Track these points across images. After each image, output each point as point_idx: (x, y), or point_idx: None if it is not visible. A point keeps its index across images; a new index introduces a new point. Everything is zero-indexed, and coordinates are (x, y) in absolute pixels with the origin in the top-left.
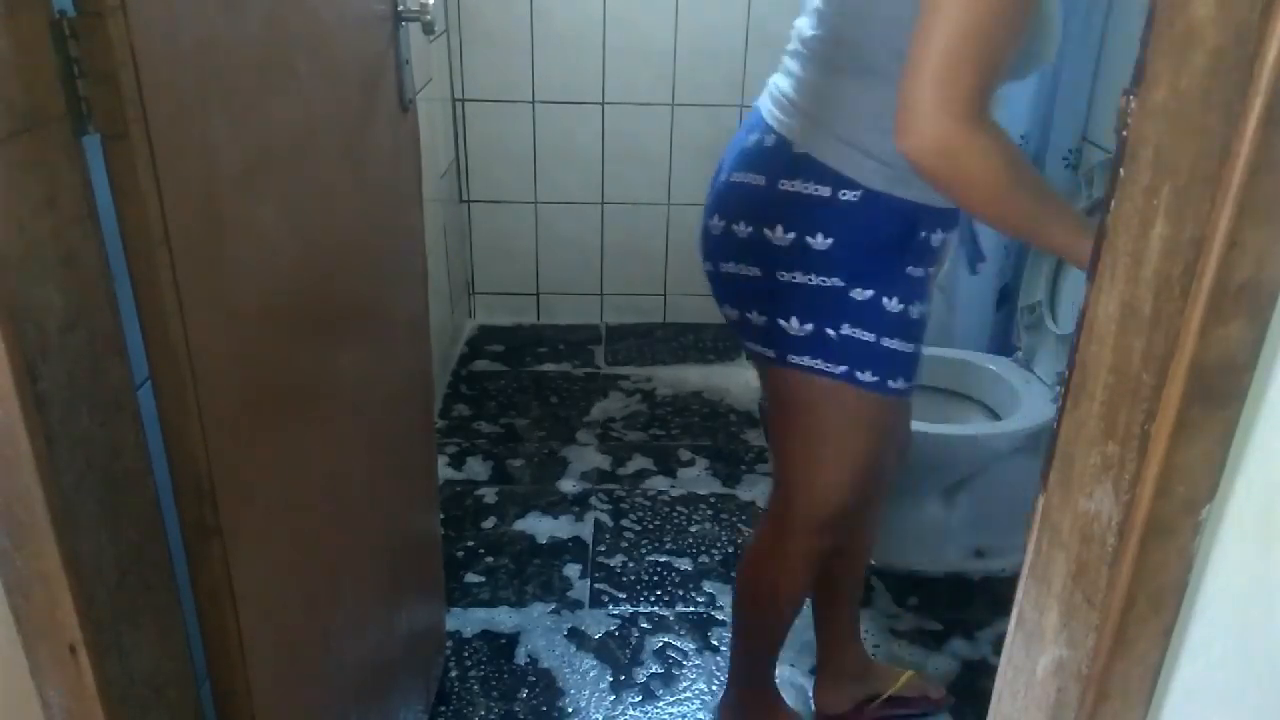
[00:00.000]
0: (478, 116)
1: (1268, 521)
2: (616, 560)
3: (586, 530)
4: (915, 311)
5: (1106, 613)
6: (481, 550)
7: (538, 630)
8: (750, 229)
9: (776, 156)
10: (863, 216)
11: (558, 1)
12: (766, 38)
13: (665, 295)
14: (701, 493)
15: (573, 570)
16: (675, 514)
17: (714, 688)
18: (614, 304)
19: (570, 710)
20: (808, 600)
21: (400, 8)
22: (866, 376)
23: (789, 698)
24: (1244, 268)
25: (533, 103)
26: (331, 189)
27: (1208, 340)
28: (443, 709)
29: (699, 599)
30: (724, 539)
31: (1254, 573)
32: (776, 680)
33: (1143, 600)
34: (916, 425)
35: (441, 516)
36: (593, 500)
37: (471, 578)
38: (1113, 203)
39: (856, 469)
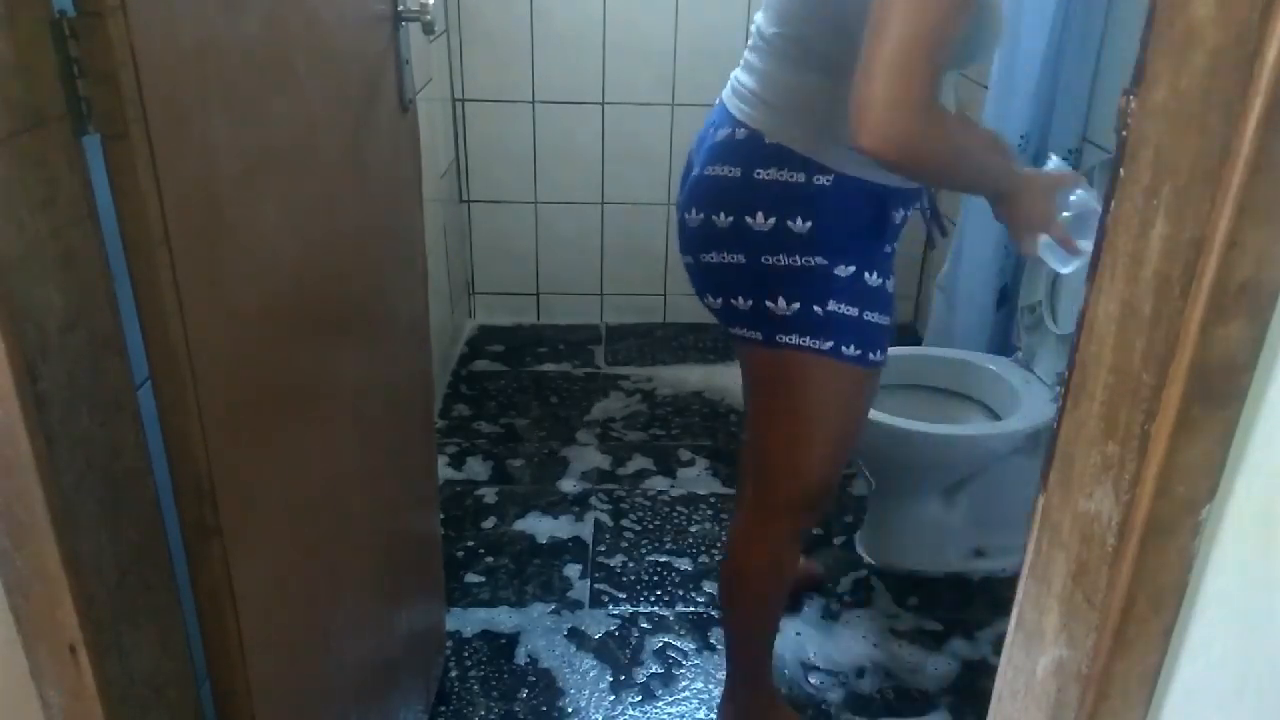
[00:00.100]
0: (478, 116)
1: (1268, 521)
2: (616, 560)
3: (586, 530)
4: (890, 285)
5: (1106, 613)
6: (481, 550)
7: (538, 630)
8: (731, 218)
9: (750, 148)
10: (837, 199)
11: (558, 1)
12: None
13: (665, 295)
14: (701, 493)
15: (573, 570)
16: (675, 514)
17: (713, 688)
18: (614, 304)
19: (570, 710)
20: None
21: (400, 8)
22: (851, 350)
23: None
24: (1244, 268)
25: (533, 103)
26: (331, 189)
27: (1208, 340)
28: (443, 709)
29: (699, 599)
30: (724, 539)
31: (1254, 573)
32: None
33: (1143, 600)
34: (917, 425)
35: (441, 516)
36: (593, 500)
37: (471, 578)
38: (1113, 203)
39: (840, 445)
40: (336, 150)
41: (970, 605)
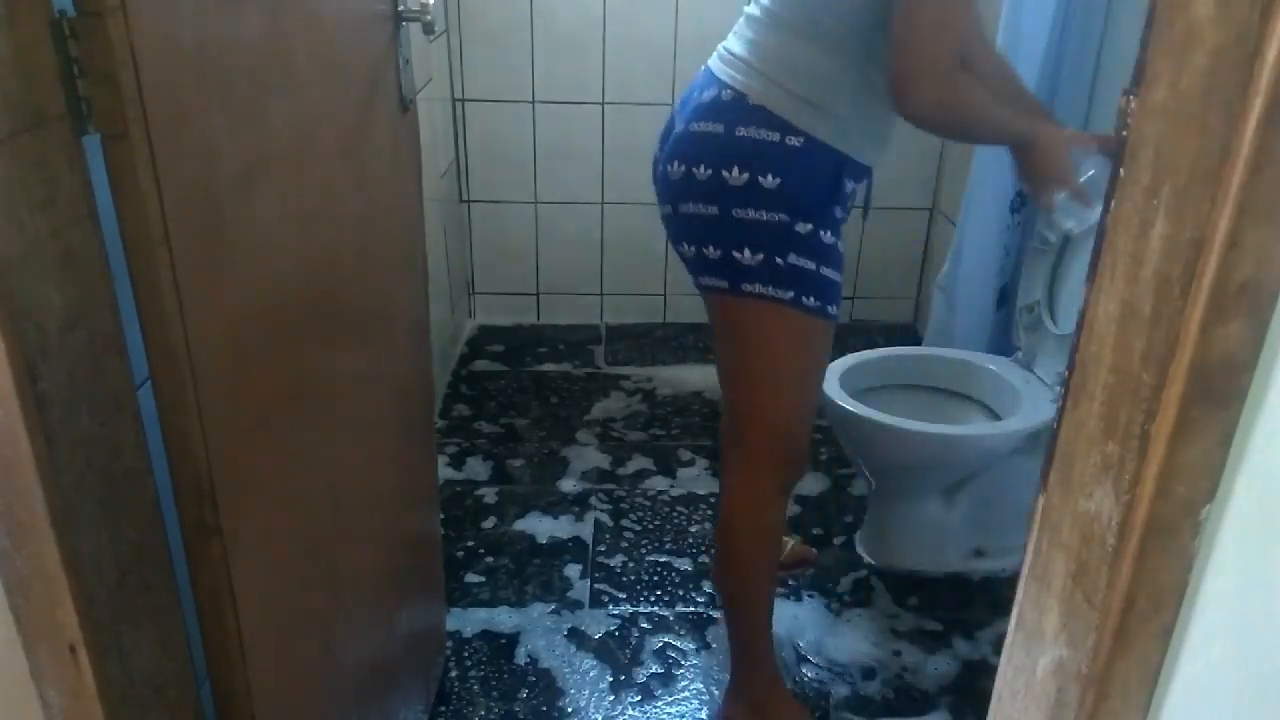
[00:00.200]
0: (478, 116)
1: (1268, 521)
2: (616, 560)
3: (586, 530)
4: (840, 246)
5: (1106, 613)
6: (481, 550)
7: (538, 630)
8: (710, 171)
9: (734, 107)
10: (804, 160)
11: (558, 1)
12: None
13: (665, 295)
14: (701, 493)
15: (573, 570)
16: (675, 514)
17: (714, 688)
18: (614, 304)
19: (570, 710)
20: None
21: (400, 8)
22: (811, 301)
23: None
24: (1244, 268)
25: (533, 103)
26: (331, 189)
27: (1208, 340)
28: (443, 709)
29: (699, 599)
30: None
31: (1254, 573)
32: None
33: (1143, 600)
34: (917, 425)
35: (441, 516)
36: (593, 500)
37: (471, 578)
38: (1113, 203)
39: (805, 393)
40: (336, 150)
41: (970, 605)
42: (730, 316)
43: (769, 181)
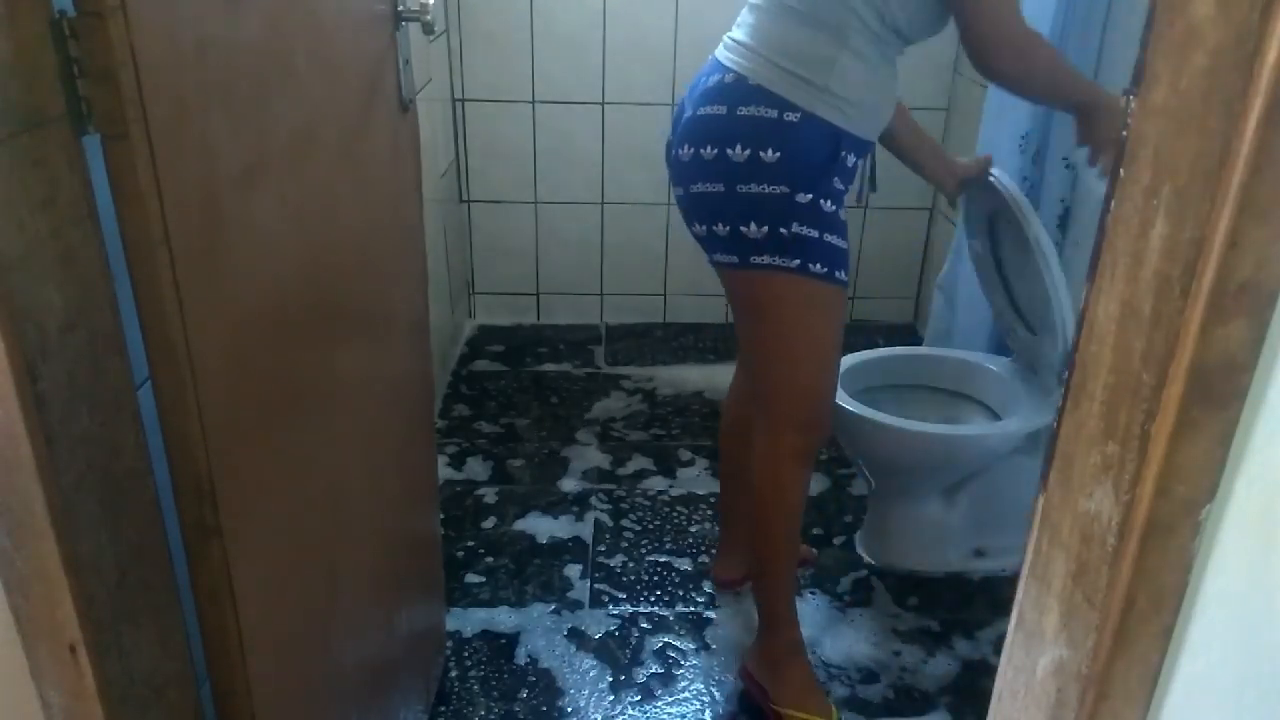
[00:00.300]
0: (478, 116)
1: (1268, 521)
2: (616, 560)
3: (586, 530)
4: (842, 214)
5: (1106, 613)
6: (481, 550)
7: (538, 630)
8: (715, 150)
9: (736, 89)
10: (801, 134)
11: (558, 1)
12: None
13: (665, 295)
14: (701, 493)
15: (573, 570)
16: (675, 514)
17: (713, 688)
18: (614, 304)
19: (570, 710)
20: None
21: (400, 8)
22: (818, 268)
23: None
24: (1244, 268)
25: (533, 103)
26: (331, 189)
27: (1208, 340)
28: (443, 709)
29: (699, 599)
30: None
31: (1254, 573)
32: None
33: (1143, 600)
34: (917, 425)
35: (441, 516)
36: (593, 500)
37: (471, 578)
38: (1113, 203)
39: (822, 359)
40: (336, 150)
41: (970, 605)
42: (744, 290)
43: (769, 156)
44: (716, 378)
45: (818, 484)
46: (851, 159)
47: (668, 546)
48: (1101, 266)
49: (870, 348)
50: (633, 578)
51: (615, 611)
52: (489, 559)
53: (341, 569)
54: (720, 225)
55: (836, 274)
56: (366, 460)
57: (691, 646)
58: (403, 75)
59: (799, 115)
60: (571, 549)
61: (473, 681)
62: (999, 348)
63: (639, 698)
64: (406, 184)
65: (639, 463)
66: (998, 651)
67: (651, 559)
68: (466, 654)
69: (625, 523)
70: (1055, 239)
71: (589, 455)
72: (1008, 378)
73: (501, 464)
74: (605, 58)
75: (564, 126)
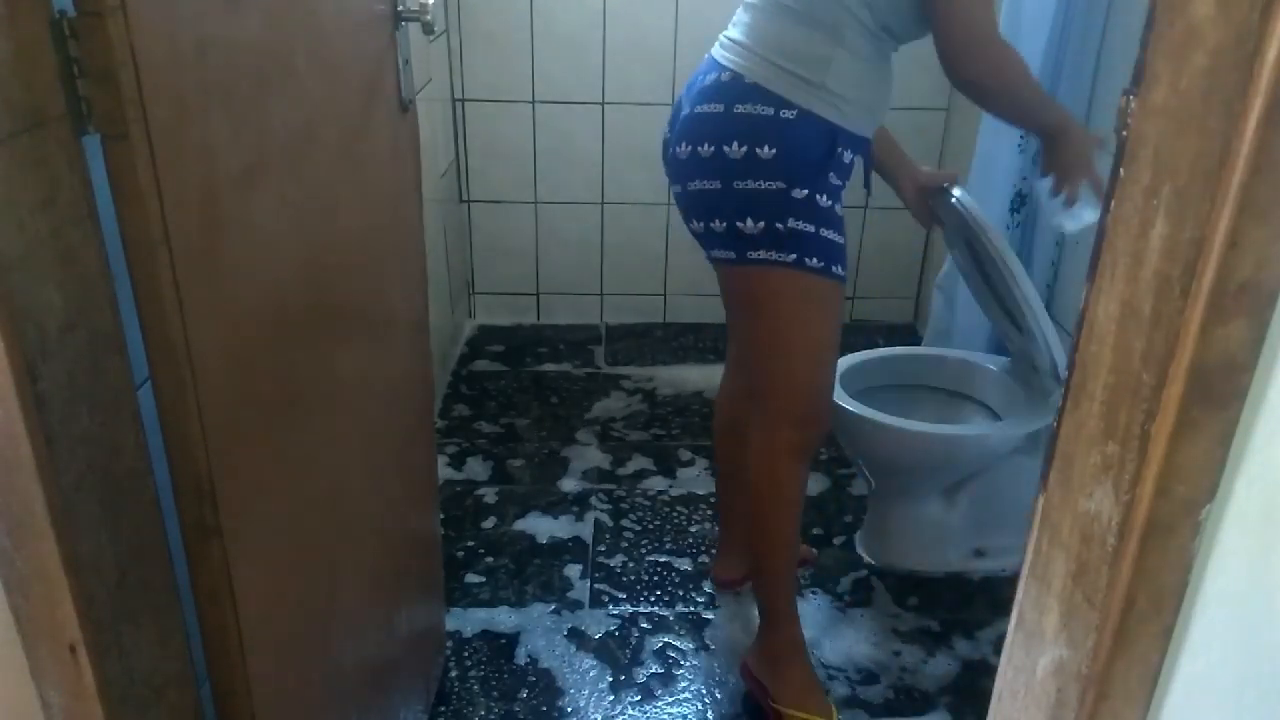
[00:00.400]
0: (478, 116)
1: (1268, 521)
2: (616, 560)
3: (586, 530)
4: (839, 209)
5: (1106, 613)
6: (481, 550)
7: (538, 630)
8: (713, 148)
9: (732, 87)
10: (798, 131)
11: (558, 1)
12: None
13: (665, 295)
14: (701, 493)
15: (573, 570)
16: (675, 514)
17: (714, 688)
18: (614, 304)
19: (570, 710)
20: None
21: (400, 8)
22: (814, 262)
23: None
24: (1244, 268)
25: (533, 103)
26: (331, 189)
27: (1208, 340)
28: (443, 709)
29: (699, 599)
30: None
31: (1254, 573)
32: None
33: (1143, 600)
34: (917, 425)
35: (441, 516)
36: (593, 500)
37: (471, 578)
38: (1113, 203)
39: (820, 354)
40: (336, 150)
41: (970, 605)
42: (741, 285)
43: (765, 152)
44: (716, 378)
45: (818, 484)
46: (849, 155)
47: (668, 546)
48: (1101, 266)
49: (870, 348)
50: (633, 578)
51: (615, 611)
52: (489, 559)
53: (341, 569)
54: (717, 221)
55: (833, 268)
56: (366, 460)
57: (691, 646)
58: (403, 75)
59: (795, 113)
60: (571, 549)
61: (473, 681)
62: (999, 348)
63: (639, 698)
64: (406, 184)
65: (639, 463)
66: (998, 651)
67: (651, 559)
68: (466, 654)
69: (625, 523)
70: (1055, 239)
71: (589, 455)
72: (1008, 378)
73: (501, 464)
74: (605, 58)
75: (564, 126)
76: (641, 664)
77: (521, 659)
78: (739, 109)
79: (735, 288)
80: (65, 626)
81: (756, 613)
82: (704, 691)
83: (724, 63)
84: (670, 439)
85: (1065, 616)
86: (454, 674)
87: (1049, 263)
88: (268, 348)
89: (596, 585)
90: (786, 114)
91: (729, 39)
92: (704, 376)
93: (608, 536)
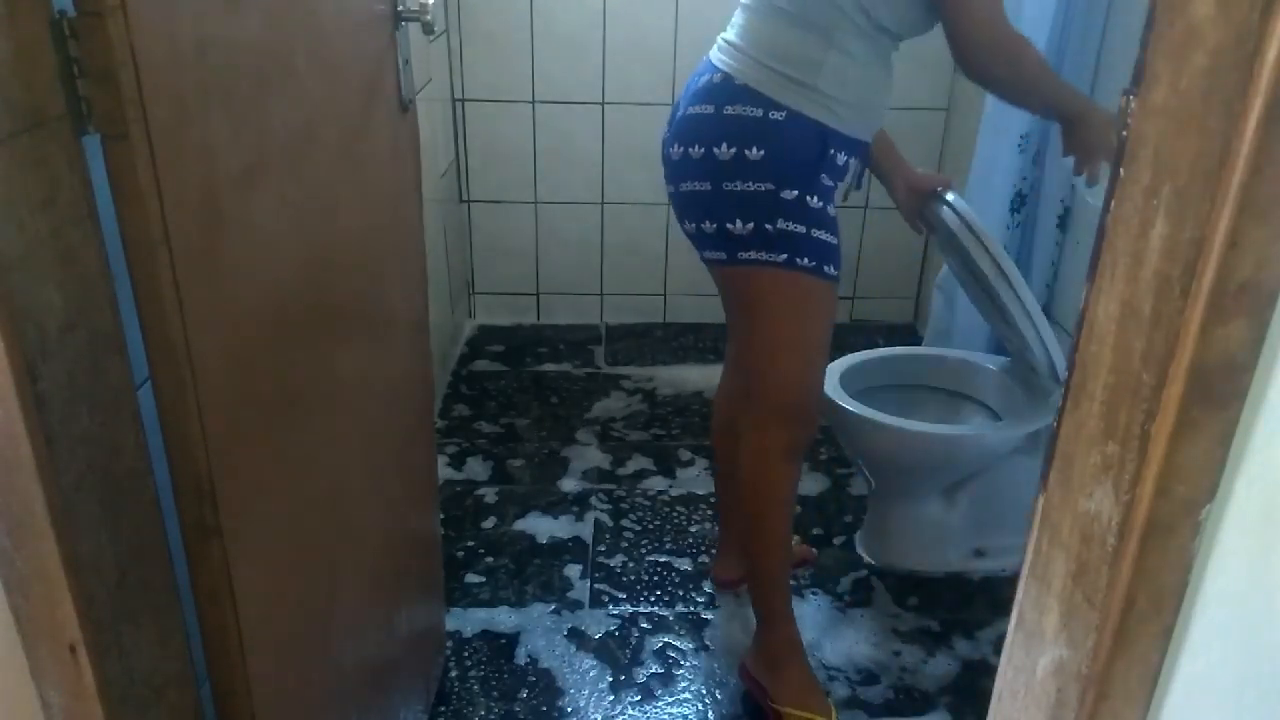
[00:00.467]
0: (478, 116)
1: (1268, 521)
2: (616, 560)
3: (586, 530)
4: (831, 210)
5: (1106, 613)
6: (481, 550)
7: (538, 630)
8: (703, 149)
9: (723, 88)
10: (787, 132)
11: (558, 1)
12: None
13: (665, 295)
14: (701, 493)
15: (573, 570)
16: (675, 514)
17: (714, 688)
18: (614, 304)
19: (570, 710)
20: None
21: (400, 8)
22: (805, 262)
23: None
24: (1244, 268)
25: (533, 103)
26: (331, 189)
27: (1208, 340)
28: (443, 709)
29: (699, 599)
30: None
31: (1254, 573)
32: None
33: (1143, 600)
34: (917, 425)
35: (441, 516)
36: (593, 500)
37: (471, 578)
38: (1113, 203)
39: (812, 353)
40: (336, 150)
41: (970, 605)
42: (733, 286)
43: (754, 154)
44: (716, 378)
45: (818, 484)
46: (842, 157)
47: (667, 546)
48: (1101, 266)
49: (870, 348)
50: (633, 578)
51: (615, 611)
52: (489, 559)
53: (341, 569)
54: (708, 223)
55: (825, 268)
56: (366, 460)
57: (691, 647)
58: (403, 75)
59: (785, 114)
60: (571, 549)
61: (473, 681)
62: (999, 348)
63: (639, 698)
64: (406, 184)
65: (639, 463)
66: (998, 651)
67: (651, 559)
68: (466, 654)
69: (625, 523)
70: (1055, 239)
71: (589, 455)
72: (1008, 378)
73: (501, 464)
74: (605, 58)
75: (564, 126)
76: (641, 664)
77: (521, 659)
78: (728, 110)
79: (729, 288)
80: (65, 626)
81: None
82: (704, 691)
83: (717, 64)
84: (670, 439)
85: (1065, 616)
86: (454, 674)
87: (1049, 263)
88: (268, 348)
89: (596, 585)
90: (776, 115)
91: (724, 40)
92: (704, 376)
93: (608, 536)
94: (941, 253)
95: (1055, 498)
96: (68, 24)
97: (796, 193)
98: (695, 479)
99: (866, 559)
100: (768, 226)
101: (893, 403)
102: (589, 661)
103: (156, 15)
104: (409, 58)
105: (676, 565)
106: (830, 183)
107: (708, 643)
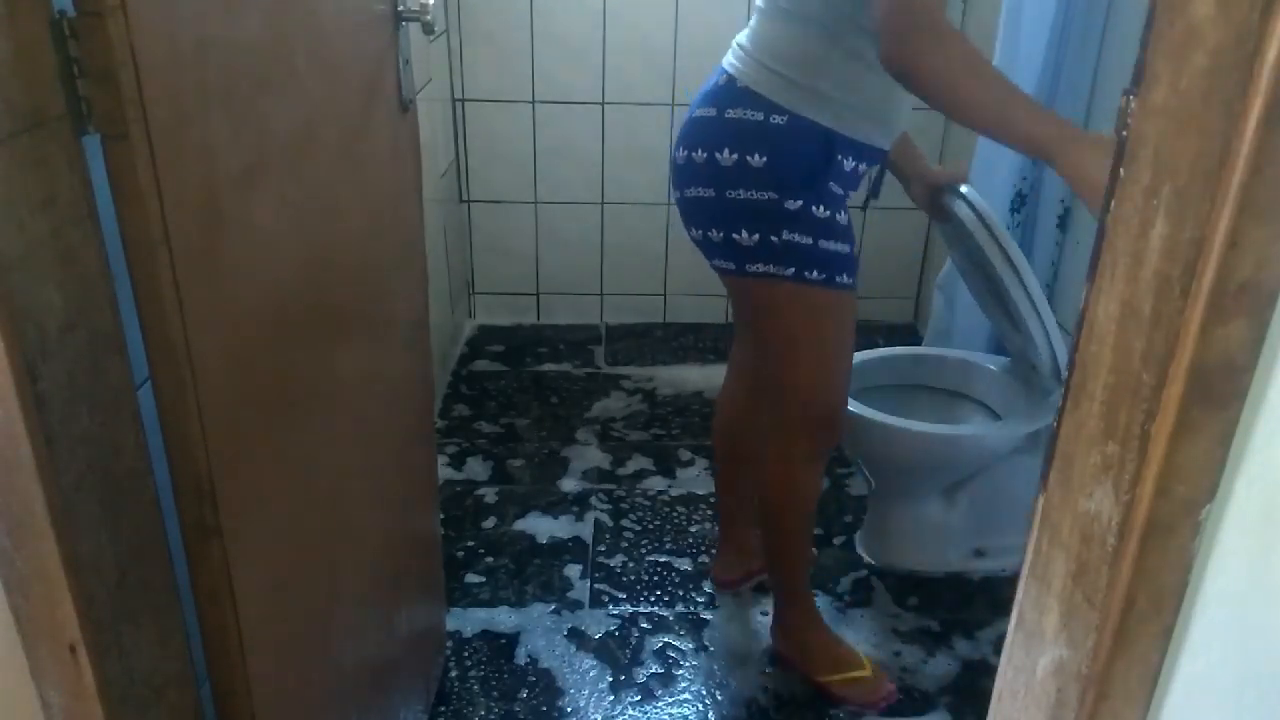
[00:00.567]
0: (478, 116)
1: (1268, 521)
2: (616, 560)
3: (586, 530)
4: (842, 218)
5: (1106, 613)
6: (481, 550)
7: (538, 630)
8: (705, 155)
9: (726, 91)
10: (789, 137)
11: (558, 1)
12: None
13: (665, 295)
14: (701, 493)
15: (573, 570)
16: (675, 514)
17: (714, 688)
18: (614, 304)
19: (570, 710)
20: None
21: (400, 8)
22: (814, 275)
23: None
24: (1244, 268)
25: (533, 103)
26: (331, 189)
27: (1208, 340)
28: (443, 709)
29: (699, 599)
30: None
31: (1254, 573)
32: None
33: (1143, 600)
34: (917, 425)
35: (441, 516)
36: (593, 500)
37: (471, 578)
38: (1113, 203)
39: (832, 362)
40: (336, 150)
41: (970, 605)
42: (745, 295)
43: (756, 160)
44: (716, 378)
45: None
46: (850, 163)
47: (668, 546)
48: (1101, 266)
49: (870, 348)
50: (633, 578)
51: (615, 611)
52: (489, 559)
53: (341, 569)
54: (715, 231)
55: (837, 279)
56: (366, 460)
57: (691, 647)
58: (403, 75)
59: (786, 118)
60: (571, 549)
61: (473, 681)
62: (999, 348)
63: (639, 698)
64: (406, 184)
65: (639, 463)
66: (998, 651)
67: (651, 559)
68: (466, 654)
69: (625, 523)
70: (1055, 239)
71: (589, 455)
72: (1008, 378)
73: (501, 464)
74: (605, 58)
75: (564, 126)
76: (641, 664)
77: (521, 659)
78: (730, 114)
79: (739, 296)
80: (65, 626)
81: (756, 613)
82: (704, 692)
83: (726, 66)
84: (670, 439)
85: (1065, 616)
86: (454, 674)
87: (1049, 263)
88: (268, 348)
89: (596, 585)
90: (777, 119)
91: (736, 43)
92: (704, 376)
93: (608, 536)
94: (948, 246)
95: (1055, 498)
96: (68, 24)
97: (800, 202)
98: (695, 479)
99: (866, 559)
100: (773, 238)
101: (893, 403)
102: (589, 661)
103: (156, 15)
104: (409, 58)
105: (676, 565)
106: (840, 190)
107: (707, 643)
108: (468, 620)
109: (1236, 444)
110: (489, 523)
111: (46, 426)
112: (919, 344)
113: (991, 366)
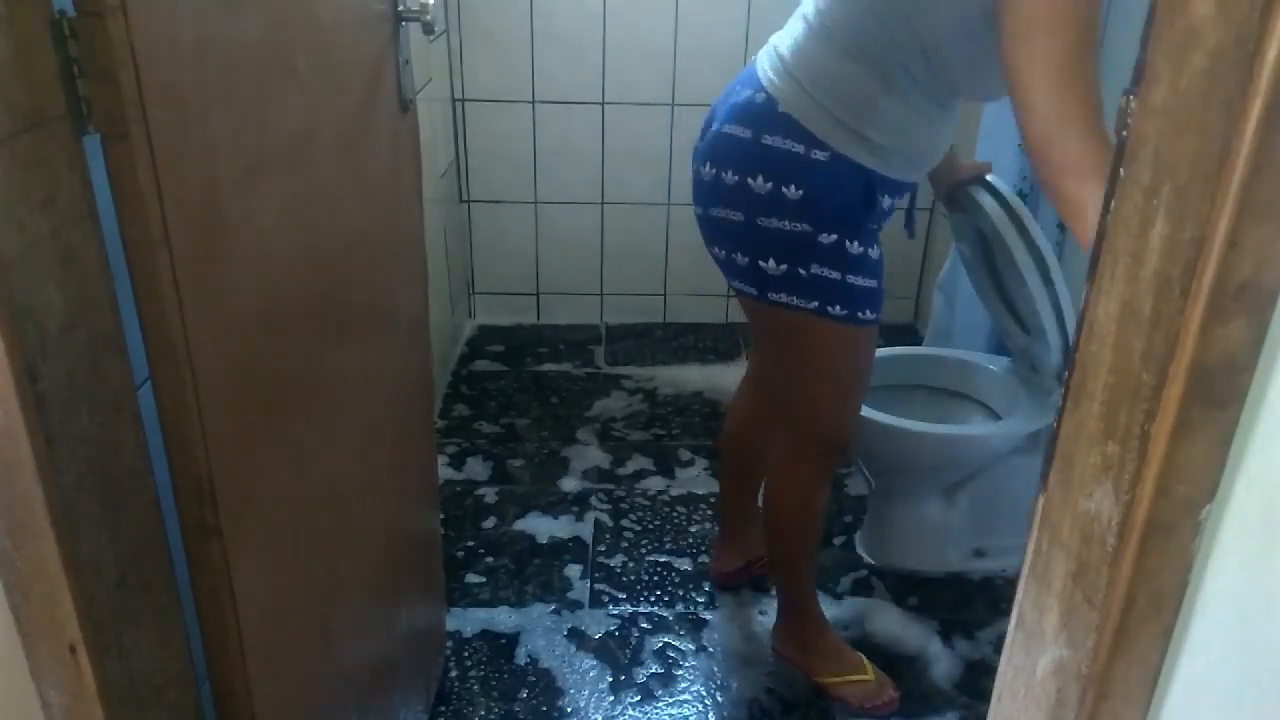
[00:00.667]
0: (478, 116)
1: (1268, 521)
2: (616, 560)
3: (586, 530)
4: (874, 253)
5: (1106, 613)
6: (481, 550)
7: (538, 630)
8: (736, 177)
9: (763, 113)
10: (829, 174)
11: (558, 1)
12: (767, 37)
13: (665, 295)
14: (701, 493)
15: (573, 570)
16: (675, 514)
17: (714, 688)
18: (614, 304)
19: (570, 710)
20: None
21: (400, 8)
22: (836, 310)
23: None
24: (1244, 268)
25: (533, 103)
26: (331, 189)
27: (1208, 340)
28: (443, 709)
29: (699, 599)
30: None
31: (1254, 573)
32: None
33: (1143, 600)
34: (917, 425)
35: (441, 516)
36: (593, 500)
37: (471, 578)
38: (1113, 203)
39: (844, 393)
40: (336, 150)
41: (970, 605)
42: (763, 321)
43: (792, 193)
44: (716, 378)
45: None
46: (888, 201)
47: (668, 546)
48: (1101, 266)
49: None
50: (633, 578)
51: (615, 611)
52: (489, 559)
53: (341, 569)
54: (740, 255)
55: (859, 314)
56: (366, 460)
57: (691, 647)
58: (403, 75)
59: (828, 155)
60: (571, 549)
61: (473, 681)
62: (999, 348)
63: (639, 698)
64: (406, 184)
65: (639, 463)
66: (998, 651)
67: (651, 559)
68: (466, 654)
69: (625, 523)
70: (1055, 239)
71: (589, 455)
72: (1008, 378)
73: (501, 464)
74: (605, 58)
75: (564, 126)
76: (641, 664)
77: (521, 659)
78: (767, 140)
79: (758, 321)
80: (65, 626)
81: (757, 613)
82: (704, 692)
83: (762, 80)
84: (670, 439)
85: (1065, 616)
86: (454, 674)
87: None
88: (268, 348)
89: (596, 585)
90: (818, 155)
91: (776, 51)
92: (704, 376)
93: (608, 536)
94: (956, 237)
95: (1055, 498)
96: (68, 24)
97: (835, 237)
98: (695, 479)
99: (866, 559)
100: (801, 270)
101: (893, 403)
102: (589, 661)
103: (156, 15)
104: (409, 58)
105: (676, 565)
106: (873, 225)
107: (707, 643)
108: (468, 620)
109: (1236, 444)
110: (489, 523)
111: (46, 426)
112: (919, 344)
113: (991, 366)
